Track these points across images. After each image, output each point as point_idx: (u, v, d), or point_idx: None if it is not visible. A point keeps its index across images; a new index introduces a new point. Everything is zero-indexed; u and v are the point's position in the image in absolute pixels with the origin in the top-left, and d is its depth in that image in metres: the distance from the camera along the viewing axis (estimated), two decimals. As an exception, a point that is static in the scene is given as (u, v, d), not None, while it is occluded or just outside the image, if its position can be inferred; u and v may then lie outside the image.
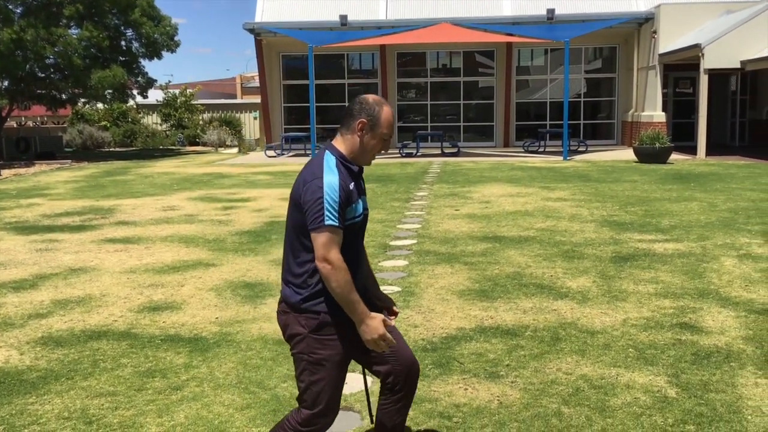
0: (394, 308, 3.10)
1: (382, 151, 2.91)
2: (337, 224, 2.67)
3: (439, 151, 22.27)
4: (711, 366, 4.39)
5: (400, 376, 2.93)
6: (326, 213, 2.65)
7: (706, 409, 3.80)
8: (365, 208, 2.88)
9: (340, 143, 2.85)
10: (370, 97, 2.86)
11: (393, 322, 2.85)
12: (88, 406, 3.99)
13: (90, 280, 6.81)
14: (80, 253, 8.02)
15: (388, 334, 2.76)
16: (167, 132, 30.07)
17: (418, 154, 21.58)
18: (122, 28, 23.68)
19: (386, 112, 2.83)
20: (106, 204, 12.06)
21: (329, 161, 2.77)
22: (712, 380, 4.18)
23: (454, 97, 25.49)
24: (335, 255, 2.66)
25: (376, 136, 2.82)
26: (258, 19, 24.12)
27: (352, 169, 2.82)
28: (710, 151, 19.32)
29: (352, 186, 2.77)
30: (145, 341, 5.03)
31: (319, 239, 2.66)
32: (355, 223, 2.80)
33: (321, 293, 2.76)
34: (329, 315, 2.76)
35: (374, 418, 3.07)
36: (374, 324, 2.73)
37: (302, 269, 2.78)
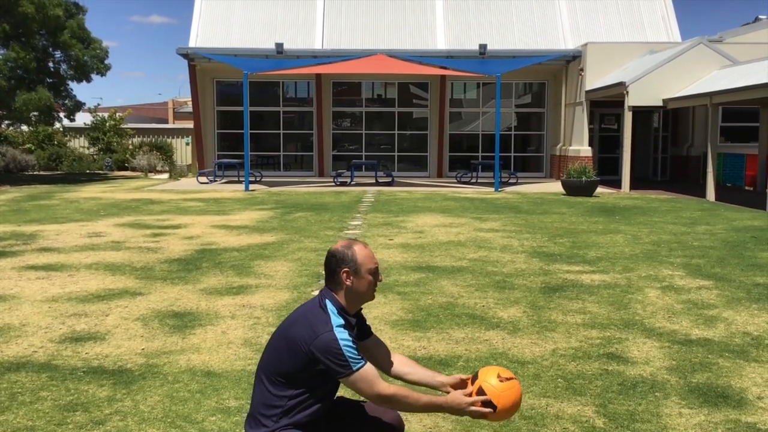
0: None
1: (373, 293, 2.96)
2: (364, 363, 2.77)
3: (373, 181, 22.37)
4: (637, 396, 4.49)
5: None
6: (350, 360, 2.74)
7: (633, 439, 3.88)
8: None
9: (335, 294, 2.91)
10: (339, 246, 2.92)
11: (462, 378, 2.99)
12: (2, 442, 3.80)
13: (9, 308, 6.53)
14: (-1, 281, 7.69)
15: (470, 398, 2.80)
16: (95, 156, 29.33)
17: (353, 183, 21.63)
18: (50, 49, 23.13)
19: (360, 249, 2.89)
20: (28, 229, 11.63)
21: (333, 311, 2.83)
22: (638, 410, 4.27)
23: (388, 127, 25.73)
24: (383, 387, 2.76)
25: (363, 275, 2.88)
26: (192, 44, 23.90)
27: (350, 321, 2.88)
28: (634, 185, 20.02)
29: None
30: (67, 373, 4.84)
31: (359, 384, 2.75)
32: None
33: (286, 427, 2.80)
34: None
35: None
36: (456, 401, 2.80)
37: (277, 404, 2.82)
